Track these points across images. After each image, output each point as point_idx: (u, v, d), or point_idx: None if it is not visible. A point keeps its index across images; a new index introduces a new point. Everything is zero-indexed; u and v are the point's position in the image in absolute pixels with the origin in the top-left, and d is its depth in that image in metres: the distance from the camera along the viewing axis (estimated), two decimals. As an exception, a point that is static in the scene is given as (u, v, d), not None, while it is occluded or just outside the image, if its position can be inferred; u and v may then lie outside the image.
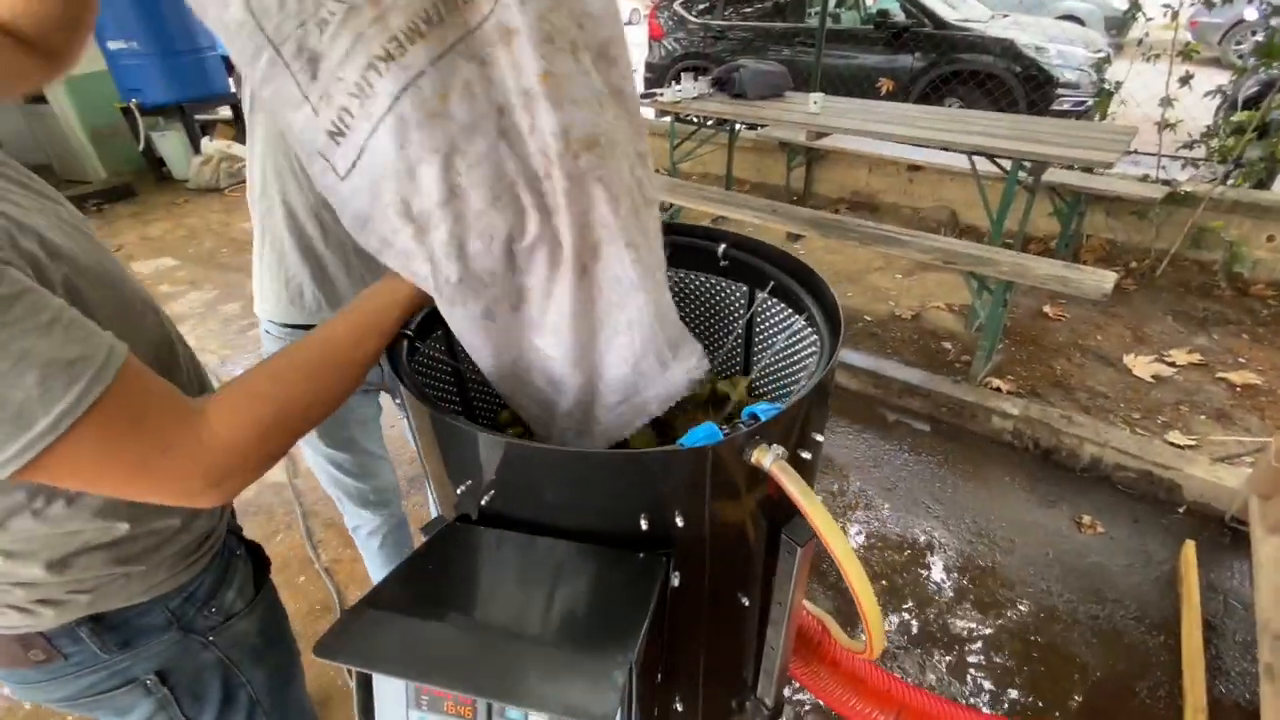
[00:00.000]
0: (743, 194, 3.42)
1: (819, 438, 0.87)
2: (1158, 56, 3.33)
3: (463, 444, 0.76)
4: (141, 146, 5.33)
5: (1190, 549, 1.94)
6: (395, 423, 2.13)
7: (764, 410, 0.76)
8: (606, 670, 0.51)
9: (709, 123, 4.35)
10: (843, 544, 0.67)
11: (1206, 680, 1.59)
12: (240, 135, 6.04)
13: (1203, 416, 2.44)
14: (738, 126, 4.38)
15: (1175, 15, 3.08)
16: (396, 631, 0.56)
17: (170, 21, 4.88)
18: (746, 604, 0.90)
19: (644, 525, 0.73)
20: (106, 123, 5.40)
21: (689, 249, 1.25)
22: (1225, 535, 2.05)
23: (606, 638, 0.55)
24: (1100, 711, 1.60)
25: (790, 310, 1.12)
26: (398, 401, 1.42)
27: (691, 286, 1.30)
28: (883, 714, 1.31)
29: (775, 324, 1.17)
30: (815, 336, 1.03)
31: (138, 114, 5.07)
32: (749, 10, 6.36)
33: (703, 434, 0.75)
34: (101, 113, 5.32)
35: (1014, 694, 1.65)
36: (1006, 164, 2.78)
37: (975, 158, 2.92)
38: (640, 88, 4.01)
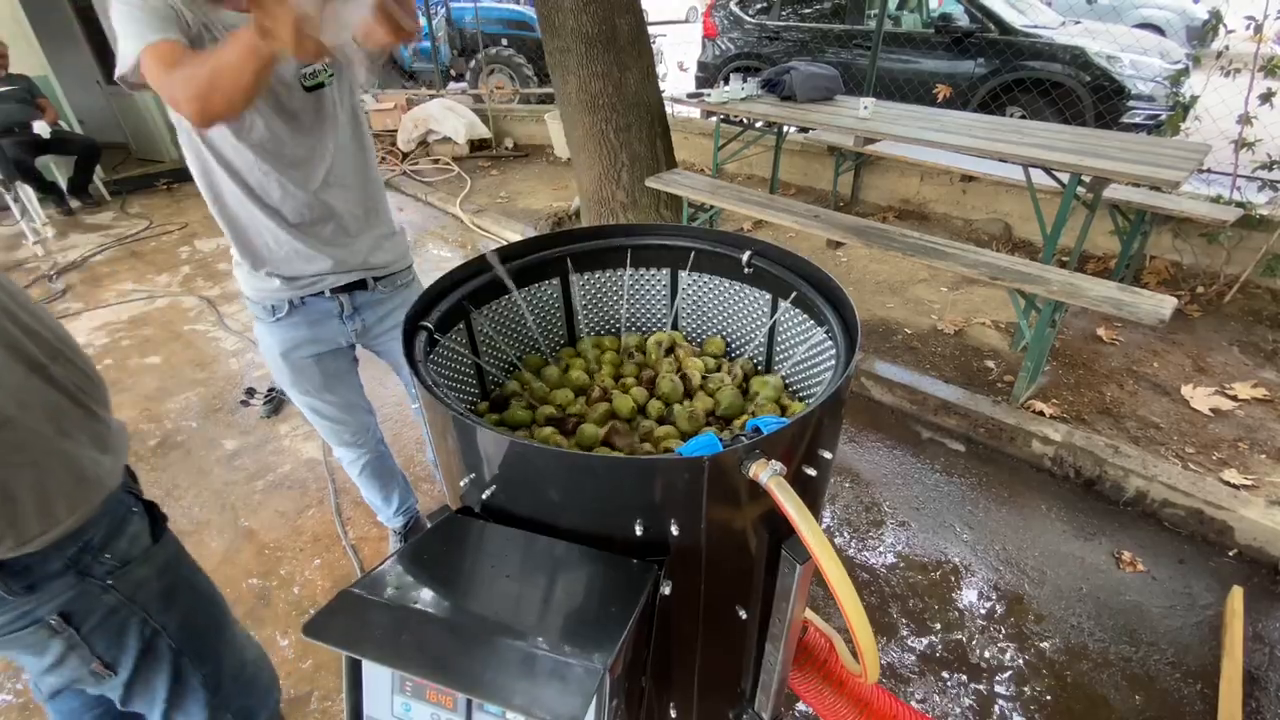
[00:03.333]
0: (785, 198, 3.37)
1: (827, 455, 0.85)
2: (1239, 70, 3.13)
3: (466, 438, 0.78)
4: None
5: (1238, 595, 1.82)
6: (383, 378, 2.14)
7: (767, 424, 0.75)
8: (581, 673, 0.51)
9: (757, 124, 4.30)
10: (836, 567, 0.66)
11: (1245, 736, 1.50)
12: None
13: (1263, 455, 2.29)
14: (786, 129, 4.32)
15: (1260, 27, 2.89)
16: (384, 618, 0.57)
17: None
18: (744, 617, 0.89)
19: (639, 531, 0.73)
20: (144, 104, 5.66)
21: (714, 255, 1.24)
22: (1277, 584, 1.92)
23: (587, 641, 0.56)
24: (1125, 758, 1.53)
25: (811, 321, 1.10)
26: (413, 392, 1.49)
27: (715, 291, 1.29)
28: (888, 739, 1.28)
29: (796, 334, 1.15)
30: (833, 350, 1.01)
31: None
32: (807, 11, 6.26)
33: (702, 444, 0.74)
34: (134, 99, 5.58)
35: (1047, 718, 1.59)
36: (1065, 178, 2.66)
37: (1032, 171, 2.81)
38: (691, 86, 3.99)
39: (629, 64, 3.45)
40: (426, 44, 7.49)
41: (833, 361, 1.03)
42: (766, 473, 0.68)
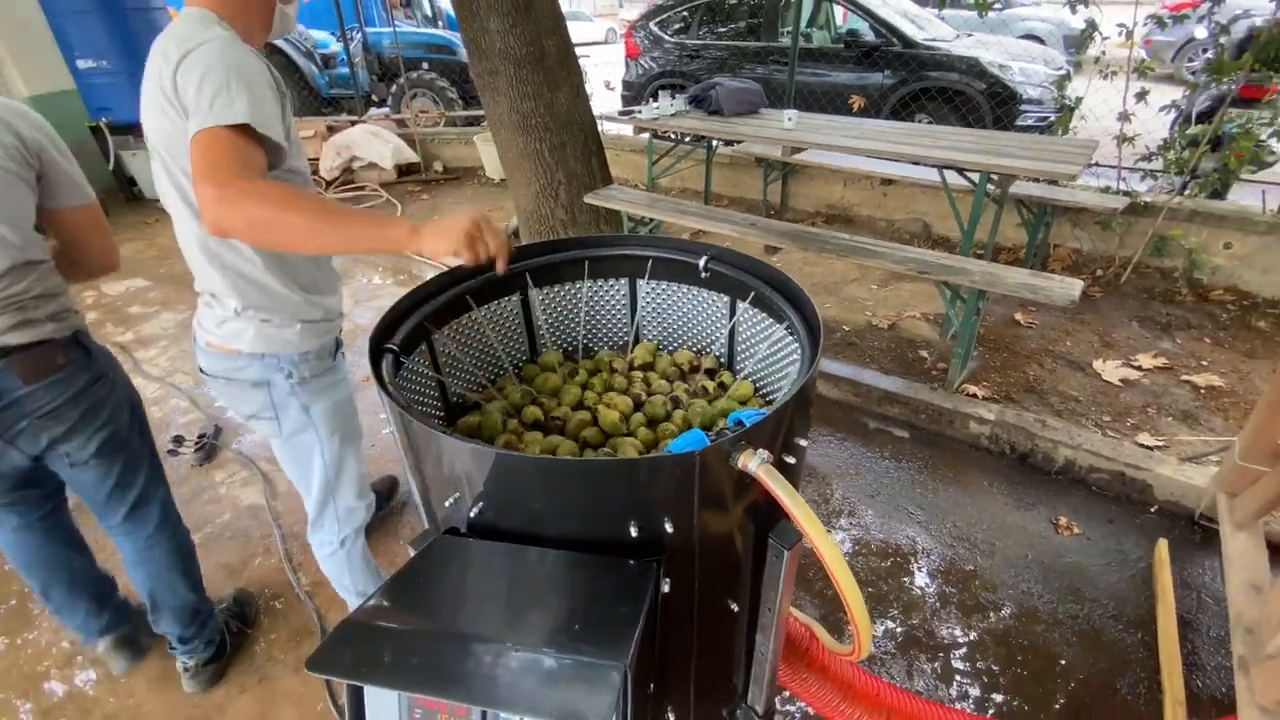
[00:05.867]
0: (722, 208, 3.47)
1: (802, 443, 0.88)
2: (1115, 73, 3.47)
3: (450, 457, 0.77)
4: (111, 165, 5.25)
5: (1163, 547, 1.99)
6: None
7: (748, 416, 0.77)
8: (601, 674, 0.52)
9: (686, 139, 4.41)
10: (830, 545, 0.68)
11: (1184, 675, 1.63)
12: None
13: (1170, 418, 2.52)
14: (715, 143, 4.45)
15: (1130, 34, 3.22)
16: (389, 643, 0.56)
17: (142, 39, 4.84)
18: (736, 610, 0.91)
19: (634, 532, 0.73)
20: (74, 141, 5.31)
21: (671, 261, 1.27)
22: (1195, 533, 2.10)
23: (600, 643, 0.56)
24: (1083, 709, 1.63)
25: (771, 320, 1.14)
26: (383, 417, 1.46)
27: (674, 298, 1.32)
28: (872, 718, 1.32)
29: (757, 333, 1.19)
30: (796, 344, 1.05)
31: (107, 133, 5.00)
32: (722, 30, 6.49)
33: (690, 440, 0.76)
34: (70, 131, 5.20)
35: (999, 695, 1.67)
36: (975, 177, 2.86)
37: (945, 171, 3.00)
38: (618, 105, 4.07)
39: (559, 83, 3.48)
40: (344, 70, 7.31)
41: (794, 356, 1.07)
42: (754, 462, 0.71)
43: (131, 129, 5.21)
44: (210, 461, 2.64)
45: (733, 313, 1.24)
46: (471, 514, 0.77)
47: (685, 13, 6.59)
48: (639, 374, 1.24)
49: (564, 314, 1.34)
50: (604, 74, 8.93)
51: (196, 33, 1.05)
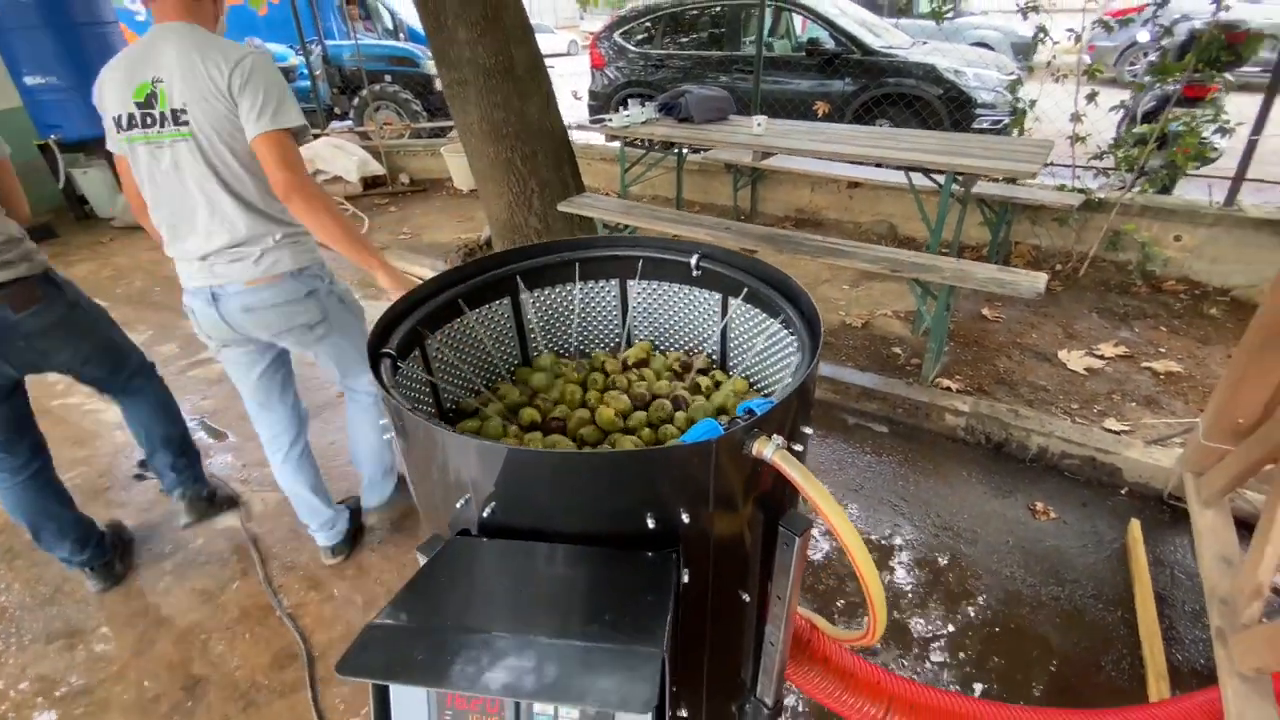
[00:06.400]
0: (694, 214, 3.51)
1: (807, 430, 0.90)
2: (1065, 76, 3.62)
3: (459, 457, 0.75)
4: (61, 184, 5.05)
5: (1136, 527, 2.06)
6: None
7: (759, 405, 0.78)
8: (640, 661, 0.51)
9: (655, 147, 4.45)
10: (848, 526, 0.69)
11: (1164, 649, 1.69)
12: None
13: (1133, 404, 2.62)
14: (684, 150, 4.50)
15: (1079, 38, 3.37)
16: (417, 643, 0.54)
17: (92, 55, 4.69)
18: (747, 600, 0.91)
19: (651, 524, 0.73)
20: (22, 160, 5.09)
21: (662, 261, 1.28)
22: (1165, 512, 2.19)
23: (634, 631, 0.56)
24: (1070, 687, 1.67)
25: (765, 315, 1.16)
26: (383, 421, 1.48)
27: (666, 297, 1.33)
28: (874, 706, 1.34)
29: (751, 329, 1.20)
30: (793, 337, 1.07)
31: (57, 151, 4.82)
32: (685, 40, 6.58)
33: (704, 429, 0.76)
34: (18, 149, 5.00)
35: (991, 676, 1.70)
36: (939, 177, 2.95)
37: (911, 173, 3.09)
38: (585, 115, 4.09)
39: (529, 93, 3.48)
40: (304, 83, 7.19)
41: (791, 350, 1.09)
42: (770, 448, 0.72)
43: (82, 146, 5.02)
44: (180, 485, 2.54)
45: (725, 310, 1.25)
46: (484, 514, 0.76)
47: (648, 24, 6.66)
48: (634, 372, 1.24)
49: (556, 317, 1.34)
50: (569, 85, 8.96)
51: (230, 46, 1.44)
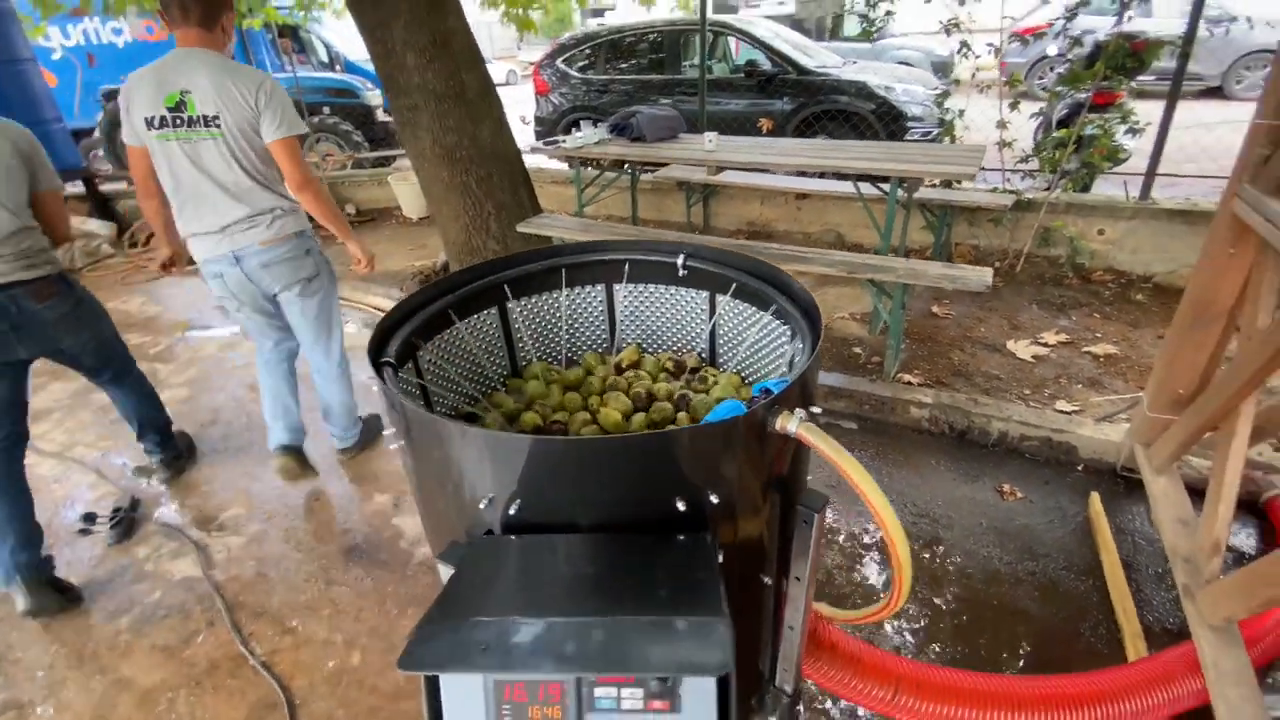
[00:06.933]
0: (653, 230, 3.56)
1: (816, 410, 0.92)
2: (988, 88, 3.88)
3: (482, 453, 0.74)
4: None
5: (1096, 500, 2.18)
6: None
7: (775, 384, 0.80)
8: (708, 629, 0.51)
9: (607, 167, 4.51)
10: (878, 492, 0.71)
11: (1136, 611, 1.78)
12: (96, 210, 5.51)
13: (1079, 385, 2.78)
14: (638, 169, 4.57)
15: (999, 50, 3.62)
16: (480, 633, 0.53)
17: (10, 93, 4.44)
18: (768, 583, 0.92)
19: (681, 507, 0.74)
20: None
21: (648, 263, 1.30)
22: (1119, 484, 2.32)
23: (694, 603, 0.56)
24: (1054, 655, 1.74)
25: (755, 308, 1.19)
26: (388, 432, 1.45)
27: (653, 299, 1.34)
28: (883, 689, 1.36)
29: (742, 323, 1.23)
30: (786, 326, 1.10)
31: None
32: (626, 65, 6.73)
33: (728, 409, 0.78)
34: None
35: (980, 651, 1.75)
36: (885, 185, 3.10)
37: (859, 182, 3.23)
38: (531, 140, 4.12)
39: (482, 116, 3.49)
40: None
41: (783, 341, 1.12)
42: (794, 422, 0.73)
43: None
44: (129, 538, 2.37)
45: (713, 307, 1.28)
46: (510, 511, 0.74)
47: (589, 50, 6.79)
48: (632, 373, 1.24)
49: (545, 324, 1.34)
50: (513, 111, 9.01)
51: (252, 72, 1.96)
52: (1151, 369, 2.83)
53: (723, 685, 0.54)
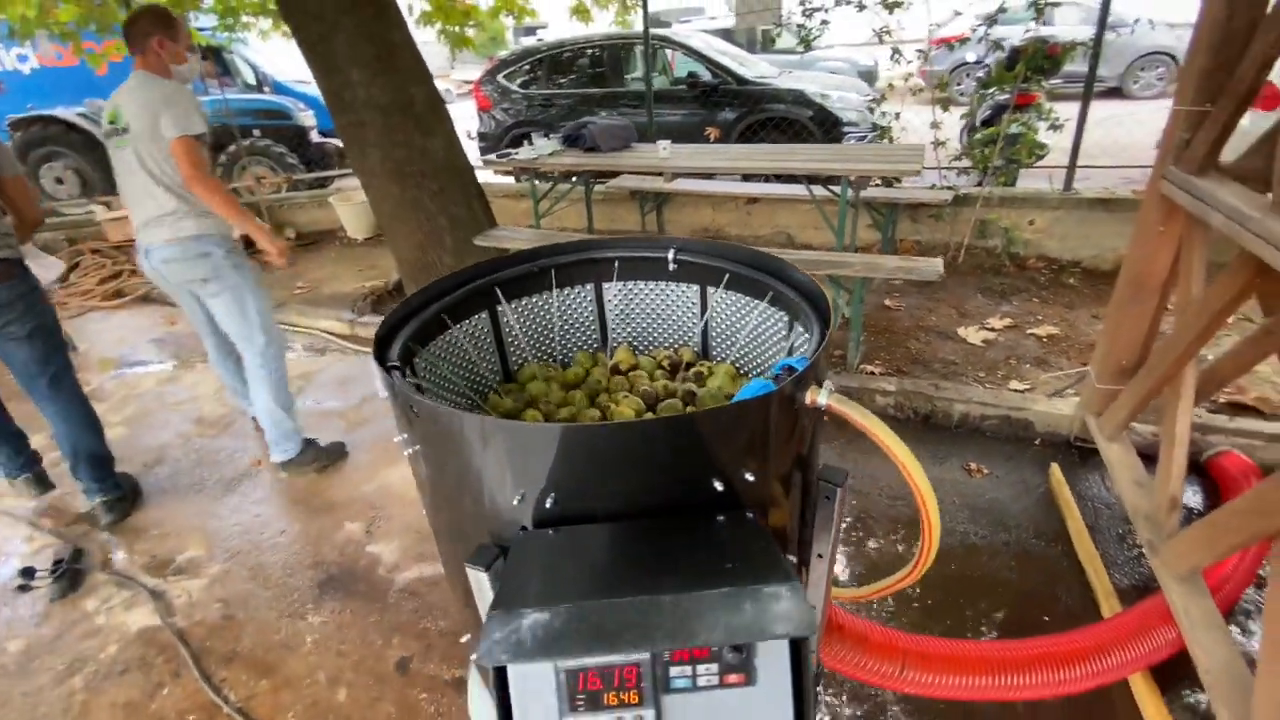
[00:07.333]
0: (612, 237, 3.57)
1: (831, 387, 0.94)
2: (921, 91, 4.09)
3: (514, 446, 0.72)
4: None
5: (1056, 470, 2.30)
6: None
7: (797, 362, 0.82)
8: (785, 591, 0.51)
9: (558, 179, 4.50)
10: (909, 454, 0.74)
11: (1106, 571, 1.88)
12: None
13: (1028, 365, 2.94)
14: (592, 180, 4.58)
15: (927, 56, 3.83)
16: (555, 622, 0.51)
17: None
18: (794, 561, 0.93)
19: (719, 487, 0.74)
20: None
21: (637, 260, 1.30)
22: (1074, 454, 2.46)
23: (763, 571, 0.56)
24: (1035, 619, 1.82)
25: (750, 298, 1.20)
26: (399, 439, 1.40)
27: (644, 296, 1.35)
28: (890, 665, 1.39)
29: (737, 313, 1.25)
30: (784, 314, 1.12)
31: None
32: (566, 80, 6.76)
33: (756, 388, 0.78)
34: None
35: (968, 620, 1.81)
36: (835, 186, 3.21)
37: (809, 184, 3.34)
38: (475, 157, 4.05)
39: (432, 129, 3.43)
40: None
41: (782, 328, 1.14)
42: (823, 394, 0.75)
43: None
44: (75, 591, 2.19)
45: (703, 300, 1.29)
46: (546, 504, 0.73)
47: (529, 66, 6.79)
48: (635, 374, 1.24)
49: (538, 326, 1.32)
50: (459, 127, 8.89)
51: (165, 84, 2.16)
52: (1090, 346, 3.02)
53: (795, 653, 0.54)
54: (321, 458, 2.69)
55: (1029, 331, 3.22)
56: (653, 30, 5.35)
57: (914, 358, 3.09)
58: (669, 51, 6.34)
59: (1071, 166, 3.82)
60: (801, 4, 4.00)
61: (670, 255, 1.25)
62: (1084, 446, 2.44)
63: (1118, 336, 2.20)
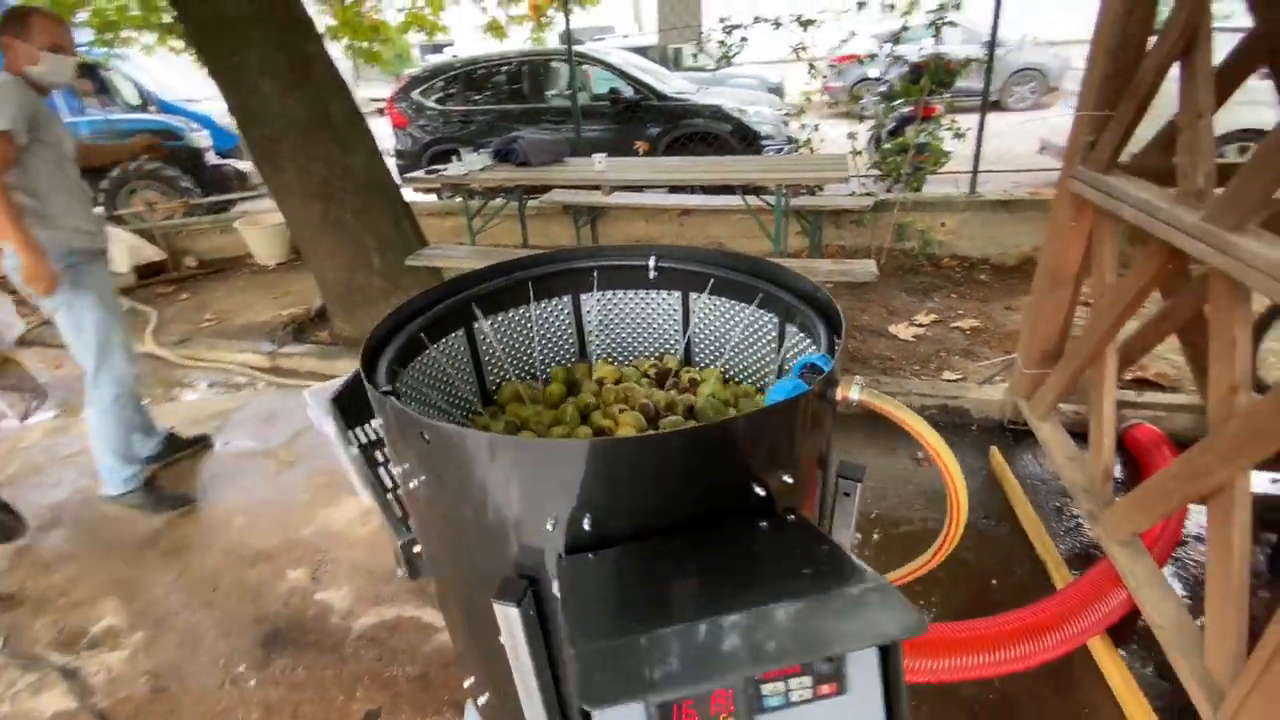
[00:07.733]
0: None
1: (861, 382, 0.94)
2: (834, 104, 4.31)
3: (562, 464, 0.68)
4: None
5: (996, 454, 2.44)
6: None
7: (821, 360, 0.81)
8: (880, 596, 0.50)
9: (486, 195, 4.40)
10: (942, 444, 0.75)
11: (1052, 544, 2.01)
12: None
13: (957, 356, 3.13)
14: (522, 195, 4.51)
15: (841, 72, 4.04)
16: (635, 658, 0.47)
17: None
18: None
19: (760, 492, 0.72)
20: None
21: (616, 269, 1.28)
22: (1009, 436, 2.63)
23: (844, 575, 0.54)
24: (994, 596, 1.91)
25: (737, 301, 1.20)
26: (398, 470, 1.31)
27: (624, 305, 1.32)
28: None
29: (723, 319, 1.24)
30: (772, 316, 1.13)
31: None
32: (482, 96, 6.65)
33: (788, 389, 0.77)
34: None
35: (936, 602, 1.88)
36: (768, 196, 3.31)
37: (744, 194, 3.43)
38: (395, 176, 3.86)
39: (353, 145, 3.27)
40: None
41: (772, 331, 1.14)
42: (854, 389, 0.75)
43: None
44: (-39, 680, 1.89)
45: (685, 306, 1.28)
46: (585, 525, 0.68)
47: (443, 82, 6.64)
48: (627, 385, 1.21)
49: (516, 341, 1.26)
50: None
51: None
52: (1008, 335, 3.25)
53: (885, 657, 0.53)
54: (163, 505, 2.53)
55: (953, 325, 3.43)
56: (574, 47, 5.37)
57: (853, 356, 3.22)
58: (585, 68, 6.38)
59: (975, 172, 4.14)
60: (721, 21, 4.12)
61: (651, 263, 1.23)
62: (1016, 429, 2.62)
63: (1038, 325, 2.38)
